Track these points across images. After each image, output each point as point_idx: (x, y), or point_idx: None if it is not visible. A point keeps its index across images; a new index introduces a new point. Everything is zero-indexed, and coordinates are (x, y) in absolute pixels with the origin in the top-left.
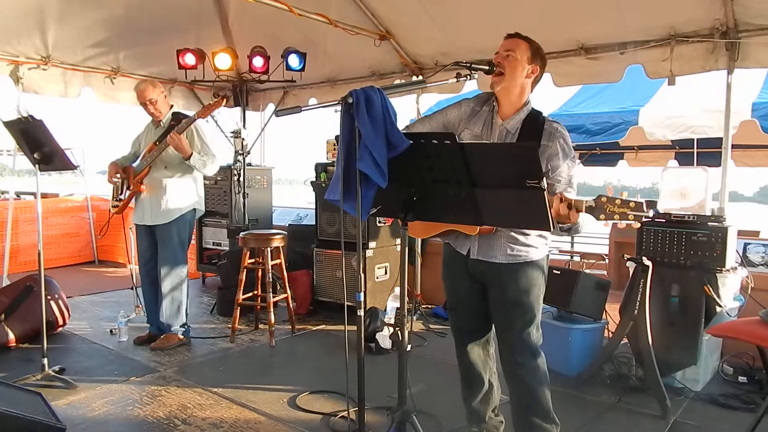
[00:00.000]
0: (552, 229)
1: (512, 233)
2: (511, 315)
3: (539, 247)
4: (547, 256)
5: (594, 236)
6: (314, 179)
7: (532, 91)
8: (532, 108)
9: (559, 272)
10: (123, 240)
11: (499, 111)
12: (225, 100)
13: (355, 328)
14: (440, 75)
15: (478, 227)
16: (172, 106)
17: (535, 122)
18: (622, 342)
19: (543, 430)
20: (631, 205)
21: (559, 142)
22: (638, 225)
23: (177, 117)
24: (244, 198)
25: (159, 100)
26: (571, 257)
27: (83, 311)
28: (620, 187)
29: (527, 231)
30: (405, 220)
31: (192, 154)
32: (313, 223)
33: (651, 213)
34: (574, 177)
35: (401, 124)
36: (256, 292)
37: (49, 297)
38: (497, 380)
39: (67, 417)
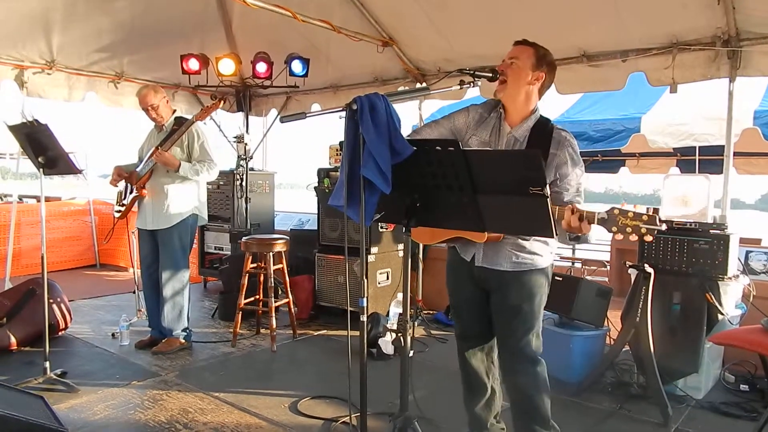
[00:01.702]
0: (555, 235)
1: (518, 241)
2: (511, 322)
3: (545, 255)
4: (552, 264)
5: (595, 242)
6: (317, 184)
7: (540, 98)
8: (541, 115)
9: (560, 279)
10: (125, 243)
11: (506, 118)
12: (222, 102)
13: (357, 333)
14: (443, 82)
15: (486, 235)
16: (174, 111)
17: (543, 130)
18: (623, 349)
19: None
20: (644, 218)
21: (568, 151)
22: (651, 238)
23: (179, 122)
24: (246, 202)
25: (161, 105)
26: (573, 264)
27: (85, 315)
28: (621, 194)
29: (534, 238)
30: (408, 226)
31: (180, 165)
32: (315, 228)
33: (664, 227)
34: (582, 185)
35: (404, 130)
36: (257, 296)
37: (51, 300)
38: (499, 386)
39: (68, 420)
